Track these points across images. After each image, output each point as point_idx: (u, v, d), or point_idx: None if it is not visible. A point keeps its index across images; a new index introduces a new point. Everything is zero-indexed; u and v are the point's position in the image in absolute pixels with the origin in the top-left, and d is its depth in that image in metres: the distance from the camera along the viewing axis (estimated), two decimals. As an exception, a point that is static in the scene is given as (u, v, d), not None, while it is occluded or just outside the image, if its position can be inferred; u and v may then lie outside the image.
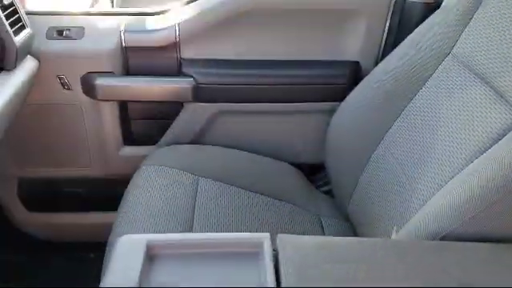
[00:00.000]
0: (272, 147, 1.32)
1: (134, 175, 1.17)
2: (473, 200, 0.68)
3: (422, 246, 0.68)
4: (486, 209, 0.67)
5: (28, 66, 1.14)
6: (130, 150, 1.32)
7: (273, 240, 0.66)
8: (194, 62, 1.23)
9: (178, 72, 1.23)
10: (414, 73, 1.02)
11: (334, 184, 1.22)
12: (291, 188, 1.22)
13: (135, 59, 1.22)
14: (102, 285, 0.61)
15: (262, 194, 1.15)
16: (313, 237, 0.66)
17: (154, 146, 1.31)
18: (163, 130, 1.31)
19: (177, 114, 1.28)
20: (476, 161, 0.76)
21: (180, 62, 1.23)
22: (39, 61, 1.17)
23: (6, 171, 1.33)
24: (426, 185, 0.87)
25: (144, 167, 1.17)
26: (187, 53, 1.23)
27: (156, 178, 1.13)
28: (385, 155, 1.03)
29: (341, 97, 1.19)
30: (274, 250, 0.64)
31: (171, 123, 1.30)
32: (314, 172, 1.37)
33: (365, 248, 0.65)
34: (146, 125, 1.34)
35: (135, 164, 1.22)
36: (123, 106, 1.29)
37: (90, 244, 1.42)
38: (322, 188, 1.31)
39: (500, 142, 0.75)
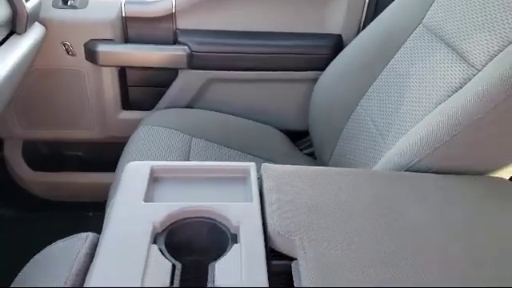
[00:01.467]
0: (260, 113, 1.43)
1: (131, 135, 1.27)
2: (429, 138, 0.80)
3: (382, 173, 0.80)
4: (440, 146, 0.79)
5: (36, 31, 1.23)
6: (127, 114, 1.42)
7: (258, 170, 0.77)
8: (188, 32, 1.34)
9: (173, 41, 1.34)
10: (390, 40, 1.13)
11: (316, 146, 1.33)
12: (276, 149, 1.33)
13: (134, 28, 1.32)
14: (112, 201, 0.72)
15: (248, 154, 1.25)
16: (290, 165, 0.77)
17: (150, 111, 1.41)
18: (159, 96, 1.41)
19: (172, 81, 1.38)
20: (435, 109, 0.88)
21: (176, 32, 1.34)
22: (46, 28, 1.27)
23: (11, 133, 1.42)
24: (394, 135, 0.98)
25: (141, 127, 1.27)
26: (183, 23, 1.33)
27: (152, 137, 1.23)
28: (361, 114, 1.15)
29: (324, 66, 1.31)
30: (258, 178, 0.75)
31: (166, 90, 1.41)
32: (298, 138, 1.48)
33: (334, 174, 0.76)
34: (143, 91, 1.44)
35: (133, 127, 1.32)
36: (122, 72, 1.39)
37: (88, 204, 1.52)
38: (305, 150, 1.42)
39: (456, 93, 0.87)
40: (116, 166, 1.20)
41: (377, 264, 0.60)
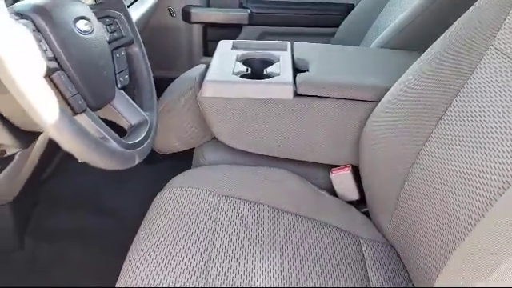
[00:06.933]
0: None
1: None
2: (394, 27, 1.40)
3: (367, 48, 1.43)
4: (400, 32, 1.39)
5: (153, -2, 1.93)
6: (207, 59, 2.08)
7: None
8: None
9: (239, 6, 2.02)
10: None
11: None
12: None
13: (214, -2, 2.02)
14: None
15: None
16: (316, 43, 1.40)
17: (222, 57, 2.08)
18: (228, 47, 2.08)
19: (237, 34, 2.05)
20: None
21: (240, 1, 2.02)
22: (158, -4, 1.97)
23: (129, 72, 2.12)
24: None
25: None
26: (245, -6, 2.03)
27: None
28: (368, 44, 1.77)
29: (338, 24, 1.94)
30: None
31: (233, 42, 2.07)
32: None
33: (342, 48, 1.40)
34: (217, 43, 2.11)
35: None
36: (205, 30, 2.07)
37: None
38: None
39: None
40: None
41: (351, 72, 1.22)
